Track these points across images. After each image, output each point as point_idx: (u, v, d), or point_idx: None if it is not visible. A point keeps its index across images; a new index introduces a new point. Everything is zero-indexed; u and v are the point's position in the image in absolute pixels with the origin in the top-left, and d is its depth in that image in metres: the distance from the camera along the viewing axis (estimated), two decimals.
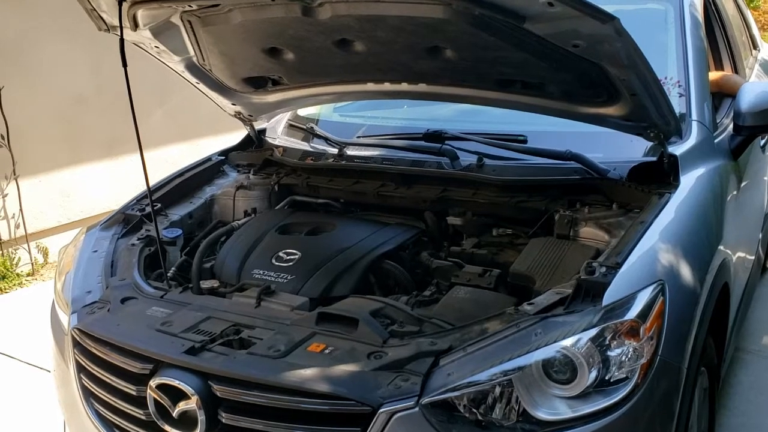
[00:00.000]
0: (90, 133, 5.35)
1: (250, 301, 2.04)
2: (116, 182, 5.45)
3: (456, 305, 2.00)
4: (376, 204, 2.68)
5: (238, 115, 2.91)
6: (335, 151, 2.84)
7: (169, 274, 2.35)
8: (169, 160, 5.51)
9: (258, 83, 2.63)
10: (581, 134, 2.48)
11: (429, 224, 2.55)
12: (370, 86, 2.48)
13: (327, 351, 1.74)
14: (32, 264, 5.09)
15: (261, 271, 2.26)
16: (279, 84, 2.60)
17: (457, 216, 2.47)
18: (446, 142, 2.60)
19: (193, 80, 2.63)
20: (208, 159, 3.03)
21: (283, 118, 3.22)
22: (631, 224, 2.03)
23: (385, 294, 2.21)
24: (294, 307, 2.01)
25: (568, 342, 1.62)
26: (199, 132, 5.96)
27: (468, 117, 2.88)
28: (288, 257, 2.31)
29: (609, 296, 1.70)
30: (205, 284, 2.21)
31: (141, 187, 2.78)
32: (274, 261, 2.30)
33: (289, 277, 2.20)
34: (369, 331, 1.79)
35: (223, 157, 3.05)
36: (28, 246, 5.07)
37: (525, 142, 2.54)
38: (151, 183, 2.81)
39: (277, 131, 3.16)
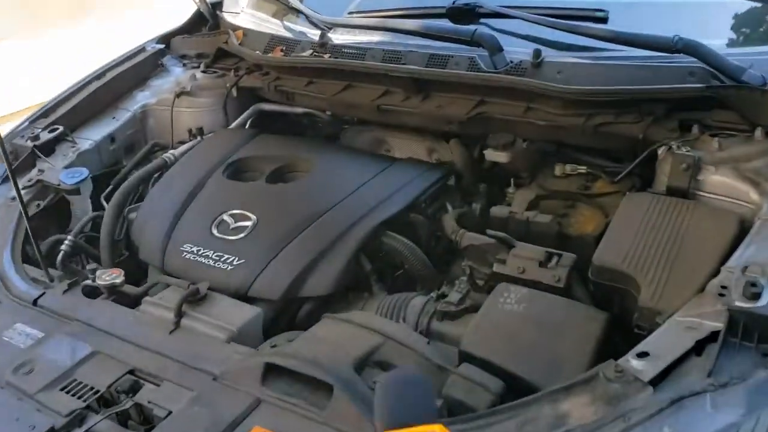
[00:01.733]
0: None
1: (166, 318, 1.27)
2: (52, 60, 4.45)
3: (504, 327, 1.20)
4: (375, 121, 1.82)
5: None
6: (316, 36, 1.92)
7: (63, 247, 1.58)
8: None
9: None
10: (687, 5, 1.72)
11: (457, 160, 1.69)
12: None
13: None
14: None
15: (194, 248, 1.48)
16: None
17: (501, 148, 1.60)
18: (482, 20, 1.77)
19: None
20: (142, 49, 2.16)
21: None
22: None
23: (388, 287, 1.43)
24: (233, 335, 1.23)
25: None
26: None
27: None
28: (237, 224, 1.51)
29: None
30: (103, 279, 1.40)
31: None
32: (215, 230, 1.52)
33: (236, 262, 1.42)
34: (350, 408, 1.01)
35: (162, 46, 2.18)
36: None
37: (605, 21, 1.66)
38: (65, 87, 1.99)
39: (240, 3, 2.24)
